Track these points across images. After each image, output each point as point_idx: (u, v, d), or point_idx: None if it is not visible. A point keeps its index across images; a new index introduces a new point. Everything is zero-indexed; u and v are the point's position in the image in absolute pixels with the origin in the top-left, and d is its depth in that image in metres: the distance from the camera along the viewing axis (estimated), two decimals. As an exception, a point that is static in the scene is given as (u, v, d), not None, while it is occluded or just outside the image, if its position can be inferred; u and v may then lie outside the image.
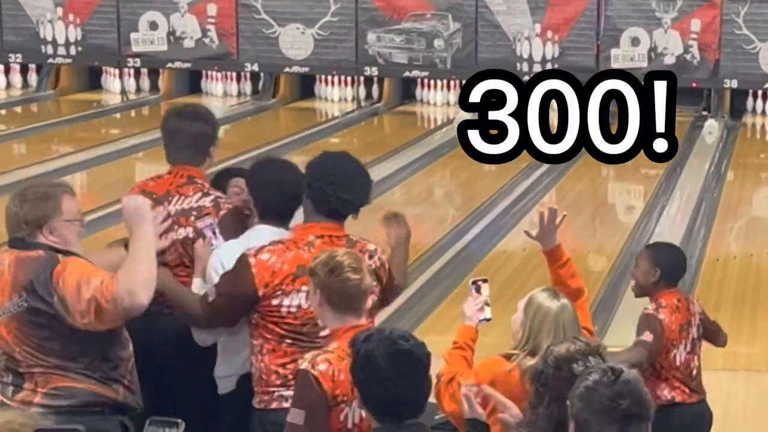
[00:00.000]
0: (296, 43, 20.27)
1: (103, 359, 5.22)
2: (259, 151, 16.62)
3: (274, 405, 5.38)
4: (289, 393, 5.16)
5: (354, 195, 5.58)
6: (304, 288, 5.27)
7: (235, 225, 5.90)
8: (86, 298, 5.06)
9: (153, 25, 20.52)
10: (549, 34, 19.71)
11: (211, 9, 20.38)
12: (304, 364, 4.83)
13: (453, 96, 20.67)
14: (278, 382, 5.38)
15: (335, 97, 20.89)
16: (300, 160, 17.66)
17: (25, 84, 21.46)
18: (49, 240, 5.20)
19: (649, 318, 6.68)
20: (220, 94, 21.13)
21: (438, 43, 20.01)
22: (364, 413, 4.46)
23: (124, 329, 5.30)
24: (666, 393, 6.65)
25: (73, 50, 20.69)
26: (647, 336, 6.55)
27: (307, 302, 5.27)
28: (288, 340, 5.36)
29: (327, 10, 20.13)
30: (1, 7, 20.62)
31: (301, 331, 5.39)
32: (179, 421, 1.93)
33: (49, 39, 20.66)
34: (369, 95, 20.90)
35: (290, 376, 5.27)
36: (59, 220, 5.19)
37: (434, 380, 4.77)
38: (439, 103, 20.76)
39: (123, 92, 21.00)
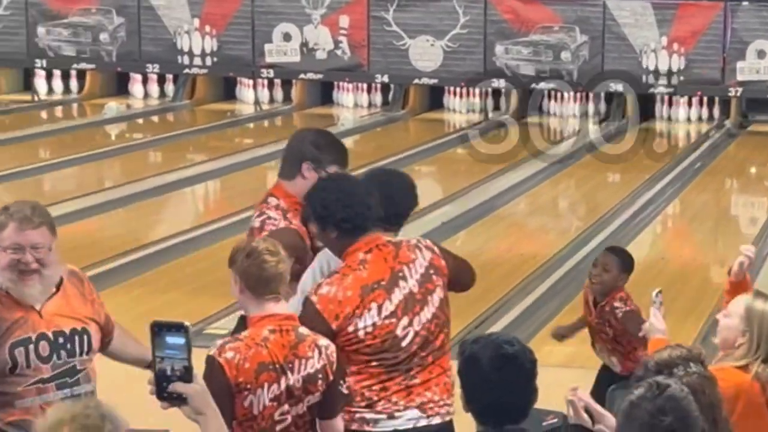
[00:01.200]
0: (426, 54, 20.37)
1: None
2: (388, 160, 16.80)
3: (354, 426, 5.28)
4: (372, 416, 5.24)
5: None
6: (373, 304, 5.23)
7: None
8: None
9: (287, 37, 20.74)
10: (675, 46, 19.63)
11: (344, 21, 20.55)
12: (212, 350, 4.94)
13: (579, 108, 20.71)
14: (362, 404, 5.27)
15: (463, 108, 20.94)
16: (428, 170, 17.99)
17: (162, 94, 21.72)
18: None
19: (633, 313, 7.00)
20: (351, 104, 21.26)
21: (565, 55, 20.00)
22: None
23: None
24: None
25: (208, 61, 20.94)
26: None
27: (379, 317, 5.25)
28: (373, 363, 5.25)
29: (456, 22, 20.21)
30: (140, 19, 20.95)
31: (382, 348, 5.25)
32: (185, 323, 1.97)
33: (186, 50, 20.93)
34: (497, 106, 20.95)
35: (375, 398, 5.26)
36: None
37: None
38: (566, 114, 20.75)
39: (257, 102, 21.23)
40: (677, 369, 4.22)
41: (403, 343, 5.24)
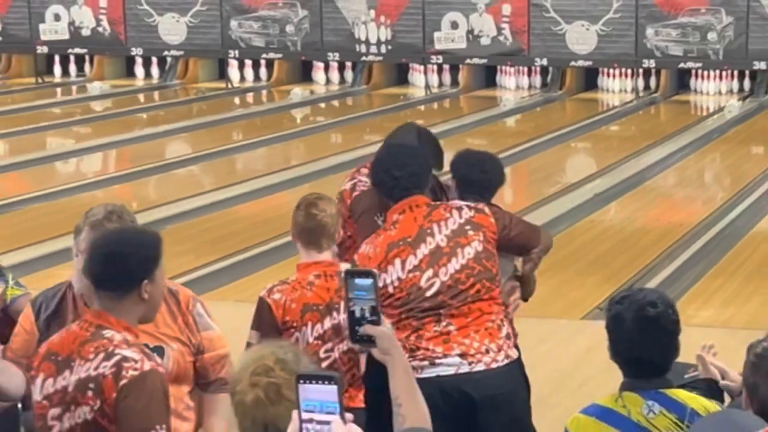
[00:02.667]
0: (581, 38, 20.30)
1: None
2: (547, 137, 16.81)
3: None
4: (415, 363, 5.05)
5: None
6: (397, 260, 5.16)
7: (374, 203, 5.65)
8: None
9: (454, 25, 20.82)
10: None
11: (506, 9, 20.56)
12: (262, 292, 5.11)
13: (725, 85, 20.44)
14: (405, 354, 5.07)
15: (616, 88, 20.73)
16: (582, 146, 17.91)
17: (342, 80, 21.86)
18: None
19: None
20: (513, 87, 21.16)
21: (711, 35, 19.78)
22: None
23: None
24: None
25: (383, 49, 21.12)
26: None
27: (403, 271, 5.18)
28: (404, 314, 5.13)
29: (609, 7, 20.10)
30: (321, 11, 21.21)
31: (408, 300, 5.16)
32: (334, 374, 2.17)
33: (363, 39, 21.14)
34: (647, 86, 20.77)
35: (413, 347, 5.12)
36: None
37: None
38: (711, 92, 20.46)
39: (427, 86, 21.23)
40: None
41: (428, 293, 5.14)
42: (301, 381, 2.11)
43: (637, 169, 14.65)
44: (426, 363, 5.11)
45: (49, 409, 4.02)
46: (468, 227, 5.25)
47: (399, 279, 5.17)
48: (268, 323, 5.16)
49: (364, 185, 5.73)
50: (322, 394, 2.10)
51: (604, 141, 17.40)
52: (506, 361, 5.23)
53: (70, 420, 3.97)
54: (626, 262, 10.55)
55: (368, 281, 3.28)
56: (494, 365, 5.19)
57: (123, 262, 3.95)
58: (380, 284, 5.06)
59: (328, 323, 5.17)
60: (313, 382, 2.11)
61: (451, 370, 5.13)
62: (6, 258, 8.80)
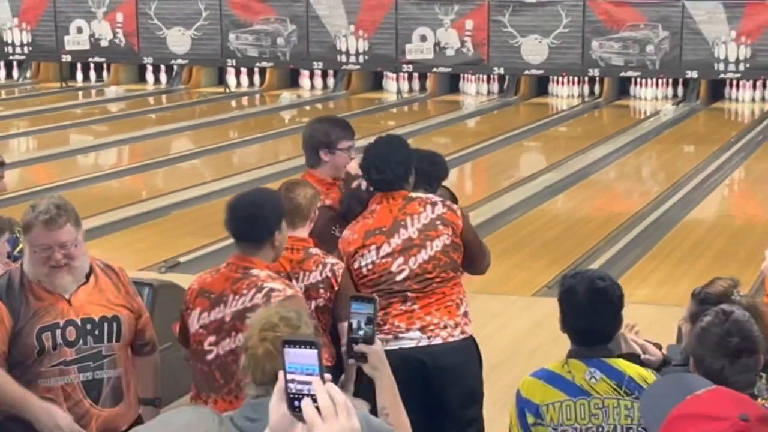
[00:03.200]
0: (534, 50, 20.29)
1: None
2: (503, 137, 16.79)
3: None
4: (381, 336, 4.83)
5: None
6: (373, 246, 5.15)
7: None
8: None
9: (423, 38, 20.77)
10: (743, 38, 19.32)
11: (469, 24, 20.53)
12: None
13: (660, 92, 20.46)
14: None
15: (564, 94, 20.72)
16: (534, 144, 17.91)
17: (325, 86, 21.80)
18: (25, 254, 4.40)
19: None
20: (473, 92, 21.09)
21: (649, 48, 19.79)
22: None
23: None
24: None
25: (361, 59, 21.07)
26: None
27: (377, 256, 5.15)
28: (375, 293, 5.02)
29: (560, 23, 20.09)
30: (308, 25, 21.15)
31: (379, 281, 5.16)
32: (315, 339, 1.95)
33: (344, 50, 21.09)
34: (591, 92, 20.79)
35: (380, 323, 5.10)
36: (27, 242, 4.35)
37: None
38: (649, 98, 20.47)
39: (399, 92, 21.19)
40: (733, 296, 4.11)
41: (398, 278, 5.13)
42: (286, 345, 2.09)
43: (582, 165, 14.65)
44: (391, 337, 5.10)
45: (206, 336, 4.42)
46: (438, 222, 5.18)
47: (373, 263, 5.16)
48: None
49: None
50: (303, 357, 2.08)
51: (553, 140, 17.39)
52: (461, 336, 5.20)
53: (227, 345, 4.39)
54: (572, 246, 10.55)
55: (370, 305, 3.27)
56: (450, 339, 5.17)
57: (262, 219, 4.43)
58: (356, 266, 5.18)
59: None
60: (296, 346, 2.09)
61: (412, 343, 5.12)
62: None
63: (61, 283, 4.27)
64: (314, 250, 5.17)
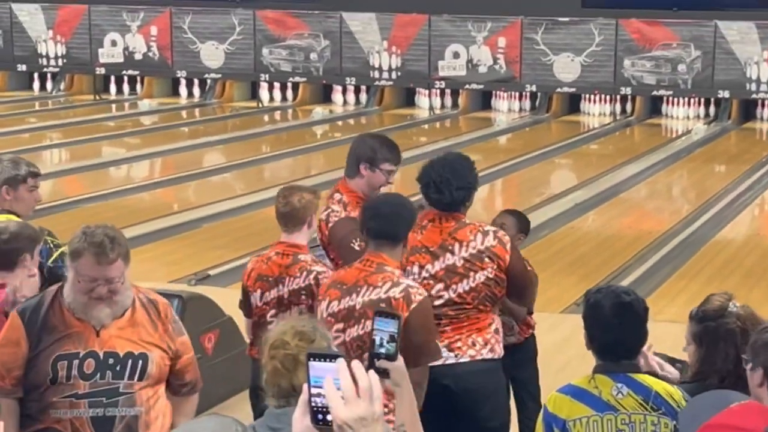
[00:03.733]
0: (567, 68, 20.29)
1: None
2: (534, 154, 16.78)
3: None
4: None
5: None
6: (416, 264, 5.04)
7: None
8: None
9: (456, 55, 20.81)
10: (772, 58, 19.31)
11: (501, 42, 20.57)
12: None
13: (692, 111, 20.41)
14: None
15: (596, 111, 20.69)
16: (565, 162, 17.82)
17: (357, 101, 21.81)
18: (67, 277, 4.16)
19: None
20: (505, 109, 21.11)
21: (681, 67, 19.76)
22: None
23: None
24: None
25: (394, 75, 21.14)
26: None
27: (419, 276, 5.05)
28: None
29: (592, 41, 20.09)
30: (341, 41, 21.22)
31: None
32: (340, 353, 2.12)
33: (376, 66, 21.15)
34: (623, 110, 20.75)
35: None
36: (72, 268, 4.09)
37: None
38: (680, 117, 20.41)
39: (431, 108, 21.26)
40: (730, 308, 4.07)
41: (436, 302, 4.93)
42: (311, 359, 2.10)
43: (613, 183, 14.62)
44: None
45: (334, 323, 4.56)
46: (486, 255, 5.05)
47: (414, 281, 4.97)
48: (242, 285, 5.47)
49: (336, 215, 5.35)
50: (328, 371, 2.09)
51: (584, 158, 17.36)
52: (490, 356, 5.08)
53: (353, 332, 4.57)
54: (601, 263, 10.53)
55: (394, 322, 3.26)
56: (479, 358, 5.05)
57: (404, 220, 4.64)
58: None
59: (274, 293, 5.28)
60: (321, 359, 2.10)
61: (439, 361, 4.90)
62: (62, 250, 8.78)
63: (98, 315, 4.08)
64: (303, 257, 5.25)
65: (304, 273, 5.20)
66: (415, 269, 5.05)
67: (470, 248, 5.04)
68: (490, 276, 5.05)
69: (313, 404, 2.08)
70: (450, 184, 5.02)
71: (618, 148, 18.10)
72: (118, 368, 4.09)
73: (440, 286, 5.04)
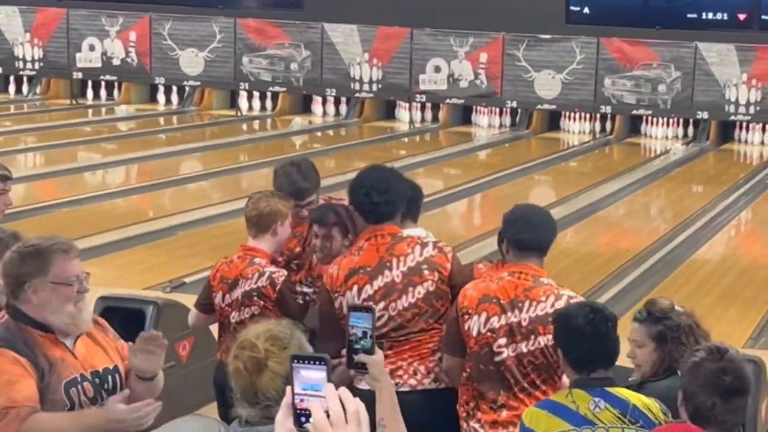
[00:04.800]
0: (547, 85, 20.33)
1: None
2: (514, 170, 16.81)
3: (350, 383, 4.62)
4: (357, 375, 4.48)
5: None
6: (355, 286, 4.85)
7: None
8: None
9: (437, 69, 20.82)
10: (754, 81, 19.36)
11: (483, 57, 20.58)
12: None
13: (671, 131, 20.48)
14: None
15: (576, 129, 20.71)
16: (545, 178, 17.83)
17: (337, 113, 21.74)
18: (30, 300, 3.83)
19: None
20: (485, 125, 21.09)
21: (661, 87, 19.83)
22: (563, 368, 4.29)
23: None
24: None
25: (374, 87, 21.13)
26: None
27: (359, 297, 4.84)
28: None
29: (573, 59, 20.14)
30: (322, 52, 21.21)
31: None
32: (325, 356, 2.08)
33: (357, 78, 21.14)
34: (603, 129, 20.81)
35: None
36: (44, 281, 3.81)
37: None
38: (659, 136, 20.46)
39: (411, 121, 21.17)
40: (676, 307, 4.42)
41: (377, 323, 4.59)
42: (295, 361, 2.09)
43: (592, 201, 14.67)
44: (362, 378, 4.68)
45: (496, 339, 4.57)
46: (425, 266, 4.83)
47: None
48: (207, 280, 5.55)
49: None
50: (311, 374, 2.08)
51: (563, 175, 17.41)
52: (434, 385, 4.84)
53: (524, 347, 4.56)
54: (579, 279, 10.53)
55: (368, 315, 3.27)
56: (420, 387, 4.82)
57: (553, 231, 4.85)
58: (337, 305, 4.87)
59: (233, 294, 5.32)
60: (305, 362, 2.09)
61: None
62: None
63: (86, 318, 3.90)
64: (258, 260, 5.29)
65: (256, 275, 5.25)
66: (354, 291, 4.83)
67: (408, 261, 4.85)
68: (431, 290, 4.84)
69: (295, 406, 2.06)
70: (389, 186, 4.86)
71: (597, 166, 18.15)
72: (105, 386, 3.96)
73: (381, 305, 4.80)
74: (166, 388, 4.54)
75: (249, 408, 3.12)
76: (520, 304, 4.57)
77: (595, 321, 4.06)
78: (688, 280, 10.78)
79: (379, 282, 4.84)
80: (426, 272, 4.84)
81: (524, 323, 4.56)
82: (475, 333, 4.62)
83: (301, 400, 2.06)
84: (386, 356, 4.60)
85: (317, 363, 2.06)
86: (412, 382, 4.82)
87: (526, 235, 4.70)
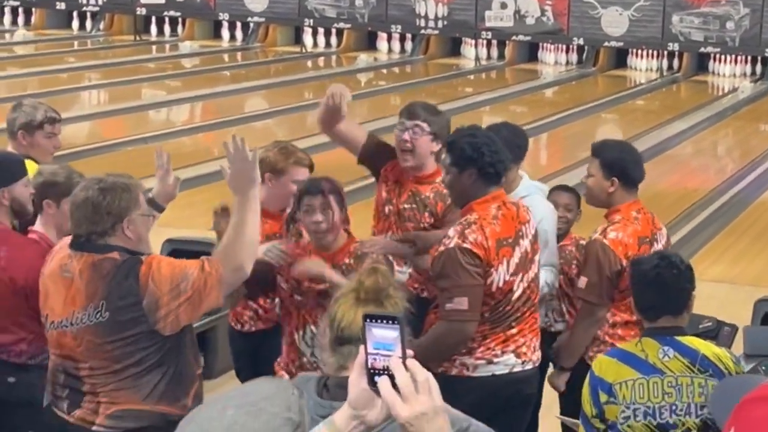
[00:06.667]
0: (614, 22, 20.09)
1: (179, 378, 3.98)
2: (581, 108, 16.65)
3: (454, 372, 4.52)
4: (471, 361, 4.50)
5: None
6: (504, 260, 4.46)
7: None
8: (185, 297, 3.86)
9: (503, 5, 20.64)
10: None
11: (549, -7, 20.42)
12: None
13: (739, 69, 20.16)
14: (463, 351, 4.51)
15: (643, 67, 20.46)
16: (611, 117, 17.65)
17: (402, 50, 21.63)
18: (125, 234, 3.94)
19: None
20: (552, 62, 20.89)
21: (729, 24, 19.52)
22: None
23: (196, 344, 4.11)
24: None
25: (440, 24, 20.99)
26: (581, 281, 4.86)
27: (507, 272, 4.48)
28: (486, 314, 4.52)
29: (641, -5, 19.91)
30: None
31: (502, 302, 4.53)
32: (398, 315, 1.98)
33: (423, 14, 21.01)
34: (670, 66, 20.54)
35: (475, 346, 4.50)
36: (137, 214, 3.96)
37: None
38: (727, 74, 20.17)
39: (477, 59, 21.07)
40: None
41: (513, 297, 4.47)
42: (367, 320, 2.06)
43: (659, 140, 14.50)
44: (483, 362, 4.52)
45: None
46: (535, 236, 4.65)
47: (504, 281, 4.47)
48: None
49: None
50: (385, 333, 2.05)
51: (630, 113, 17.22)
52: (539, 361, 4.72)
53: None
54: (647, 220, 10.46)
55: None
56: (537, 364, 4.69)
57: None
58: (488, 280, 4.44)
59: None
60: (377, 321, 2.06)
61: (506, 370, 4.53)
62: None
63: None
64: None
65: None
66: (504, 266, 4.45)
67: (530, 230, 4.61)
68: (539, 259, 4.69)
69: (370, 367, 2.03)
70: (497, 145, 4.57)
71: (664, 105, 17.94)
72: None
73: (519, 278, 4.52)
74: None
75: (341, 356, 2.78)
76: (657, 236, 4.86)
77: (659, 268, 4.05)
78: (756, 221, 10.67)
79: (517, 253, 4.50)
80: (536, 241, 4.67)
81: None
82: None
83: (375, 360, 2.02)
84: (512, 335, 4.53)
85: (390, 322, 2.02)
86: (534, 358, 4.64)
87: (639, 173, 4.94)
